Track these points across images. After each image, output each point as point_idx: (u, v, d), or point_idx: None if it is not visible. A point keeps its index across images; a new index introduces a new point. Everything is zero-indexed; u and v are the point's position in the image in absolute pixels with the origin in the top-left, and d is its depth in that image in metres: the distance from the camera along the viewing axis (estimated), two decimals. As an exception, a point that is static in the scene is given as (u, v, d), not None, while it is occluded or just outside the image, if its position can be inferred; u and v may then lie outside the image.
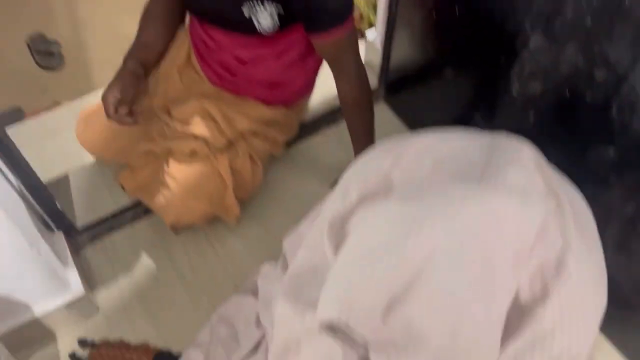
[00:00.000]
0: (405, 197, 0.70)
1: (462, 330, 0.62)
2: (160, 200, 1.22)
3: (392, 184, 0.73)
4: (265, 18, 1.07)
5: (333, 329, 0.69)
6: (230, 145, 1.26)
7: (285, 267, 1.08)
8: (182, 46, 1.28)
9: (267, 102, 1.28)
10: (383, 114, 1.59)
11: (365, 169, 0.78)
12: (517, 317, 0.68)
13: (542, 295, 0.67)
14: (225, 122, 1.23)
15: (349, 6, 1.07)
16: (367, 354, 0.69)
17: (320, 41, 1.10)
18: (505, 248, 0.65)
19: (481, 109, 1.24)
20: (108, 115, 1.08)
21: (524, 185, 0.69)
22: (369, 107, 1.23)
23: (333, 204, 0.78)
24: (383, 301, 0.62)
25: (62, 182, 1.43)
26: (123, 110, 1.07)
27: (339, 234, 0.76)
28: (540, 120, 1.08)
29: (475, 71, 1.23)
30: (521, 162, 0.72)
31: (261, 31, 1.10)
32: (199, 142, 1.21)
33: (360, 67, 1.17)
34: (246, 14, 1.07)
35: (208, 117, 1.23)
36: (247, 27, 1.09)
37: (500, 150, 0.74)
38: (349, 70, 1.15)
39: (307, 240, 0.86)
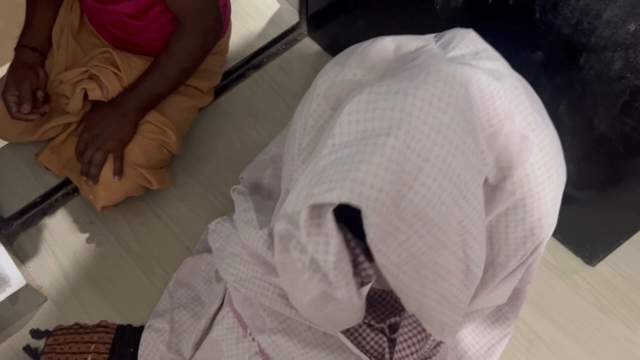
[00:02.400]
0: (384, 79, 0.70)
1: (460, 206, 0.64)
2: (85, 188, 1.14)
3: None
4: None
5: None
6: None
7: (250, 192, 1.09)
8: (71, 10, 1.18)
9: None
10: (309, 49, 1.53)
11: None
12: (489, 195, 0.71)
13: (509, 170, 0.71)
14: (127, 70, 1.13)
15: None
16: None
17: None
18: (481, 125, 0.67)
19: (408, 30, 1.20)
20: (12, 116, 1.05)
21: (490, 67, 0.71)
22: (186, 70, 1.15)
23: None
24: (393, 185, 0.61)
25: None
26: (25, 108, 1.03)
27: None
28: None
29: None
30: (476, 40, 0.75)
31: None
32: (92, 84, 1.11)
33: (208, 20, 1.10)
34: None
35: (108, 62, 1.13)
36: None
37: (453, 35, 0.78)
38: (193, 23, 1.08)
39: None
